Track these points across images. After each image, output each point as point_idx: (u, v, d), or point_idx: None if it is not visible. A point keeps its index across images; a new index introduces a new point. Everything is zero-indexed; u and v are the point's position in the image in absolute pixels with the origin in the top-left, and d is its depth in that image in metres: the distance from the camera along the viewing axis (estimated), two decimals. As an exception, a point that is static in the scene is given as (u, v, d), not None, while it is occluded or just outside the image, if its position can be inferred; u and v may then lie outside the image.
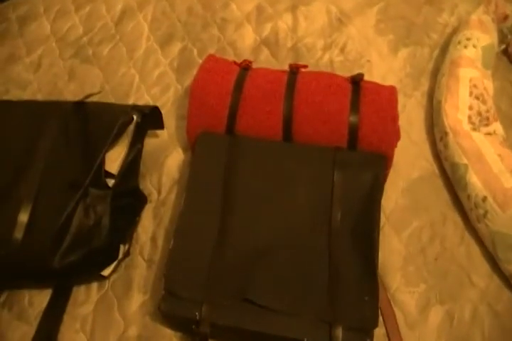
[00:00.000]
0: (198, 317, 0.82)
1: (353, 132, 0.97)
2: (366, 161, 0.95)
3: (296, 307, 0.82)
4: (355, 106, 0.98)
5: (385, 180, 0.96)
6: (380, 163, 0.95)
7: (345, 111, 0.98)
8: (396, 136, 0.99)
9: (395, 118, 0.98)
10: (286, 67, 1.10)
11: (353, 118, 0.97)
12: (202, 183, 0.95)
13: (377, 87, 1.03)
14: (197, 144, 1.00)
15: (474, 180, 0.95)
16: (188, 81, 1.24)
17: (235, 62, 1.11)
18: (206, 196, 0.94)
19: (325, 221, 0.90)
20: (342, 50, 1.27)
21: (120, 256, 0.96)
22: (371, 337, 0.80)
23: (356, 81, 1.02)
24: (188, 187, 0.95)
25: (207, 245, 0.88)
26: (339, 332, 0.79)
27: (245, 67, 1.08)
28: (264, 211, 0.92)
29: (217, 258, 0.87)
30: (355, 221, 0.90)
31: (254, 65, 1.14)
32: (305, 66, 1.09)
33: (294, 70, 1.06)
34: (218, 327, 0.82)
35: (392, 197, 1.03)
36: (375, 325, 0.81)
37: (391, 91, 1.01)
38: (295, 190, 0.93)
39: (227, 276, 0.85)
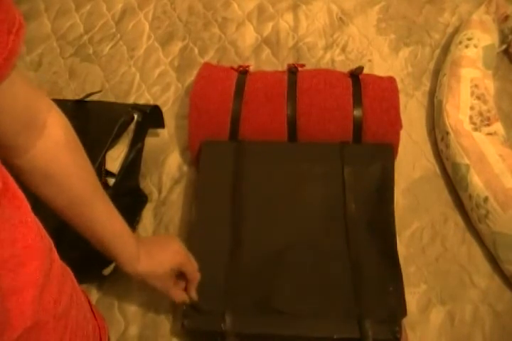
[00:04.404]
0: (223, 329, 0.80)
1: (358, 125, 0.98)
2: (373, 153, 0.96)
3: (323, 307, 0.82)
4: (357, 99, 0.99)
5: (393, 169, 0.96)
6: (387, 153, 0.96)
7: (349, 105, 0.98)
8: (399, 124, 1.00)
9: (397, 106, 0.98)
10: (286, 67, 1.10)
11: (356, 112, 0.98)
12: (211, 194, 0.95)
13: (377, 79, 1.04)
14: (201, 154, 0.99)
15: (476, 181, 0.95)
16: (188, 80, 1.24)
17: (231, 68, 1.10)
18: (217, 206, 0.93)
19: (340, 217, 0.90)
20: (343, 49, 1.27)
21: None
22: (400, 325, 0.79)
23: (356, 74, 1.03)
24: (197, 199, 0.95)
25: (223, 255, 0.87)
26: (368, 326, 0.79)
27: (243, 72, 1.07)
28: (277, 214, 0.91)
29: (235, 268, 0.86)
30: (371, 212, 0.90)
31: (254, 65, 1.14)
32: (302, 65, 1.09)
33: (293, 70, 1.06)
34: (245, 336, 0.81)
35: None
36: (404, 313, 0.80)
37: (391, 81, 1.03)
38: (306, 189, 0.93)
39: (247, 284, 0.85)
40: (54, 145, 0.56)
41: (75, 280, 0.54)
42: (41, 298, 0.43)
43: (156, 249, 0.77)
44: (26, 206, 0.44)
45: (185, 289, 0.83)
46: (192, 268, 0.81)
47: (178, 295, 0.82)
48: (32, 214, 0.45)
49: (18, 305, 0.40)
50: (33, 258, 0.43)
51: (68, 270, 0.53)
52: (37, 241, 0.44)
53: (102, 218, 0.66)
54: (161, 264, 0.76)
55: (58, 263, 0.49)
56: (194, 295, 0.82)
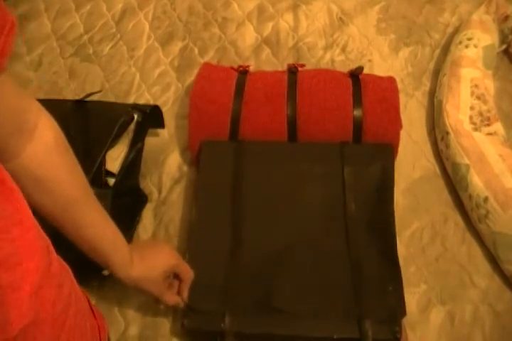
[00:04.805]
0: (223, 329, 0.80)
1: (358, 125, 0.98)
2: (373, 153, 0.96)
3: (323, 307, 0.82)
4: (357, 99, 0.99)
5: (393, 169, 0.96)
6: (387, 153, 0.96)
7: (349, 105, 0.98)
8: (399, 124, 1.00)
9: (397, 106, 0.99)
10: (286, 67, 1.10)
11: (357, 112, 0.98)
12: (211, 194, 0.95)
13: (377, 79, 1.04)
14: (201, 154, 0.99)
15: (476, 181, 0.95)
16: (188, 80, 1.24)
17: (231, 68, 1.10)
18: (217, 206, 0.93)
19: (340, 217, 0.90)
20: (343, 49, 1.27)
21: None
22: (400, 325, 0.80)
23: (356, 74, 1.03)
24: (197, 199, 0.95)
25: (222, 255, 0.87)
26: (368, 326, 0.79)
27: (243, 72, 1.07)
28: (277, 214, 0.91)
29: (234, 267, 0.86)
30: (371, 212, 0.90)
31: (254, 65, 1.13)
32: (302, 65, 1.09)
33: (293, 70, 1.06)
34: (245, 336, 0.81)
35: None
36: (403, 313, 0.81)
37: (391, 81, 1.03)
38: (306, 189, 0.93)
39: (247, 284, 0.85)
40: (44, 149, 0.56)
41: (74, 280, 0.54)
42: (39, 296, 0.43)
43: (148, 254, 0.77)
44: (25, 206, 0.44)
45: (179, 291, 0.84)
46: (185, 268, 0.82)
47: (172, 298, 0.82)
48: (31, 214, 0.45)
49: (17, 303, 0.40)
50: (31, 257, 0.43)
51: (68, 269, 0.53)
52: (35, 240, 0.45)
53: (95, 224, 0.67)
54: (154, 268, 0.76)
55: (57, 262, 0.49)
56: (186, 295, 0.83)
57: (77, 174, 0.62)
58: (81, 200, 0.64)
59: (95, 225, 0.67)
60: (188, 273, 0.83)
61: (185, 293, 0.83)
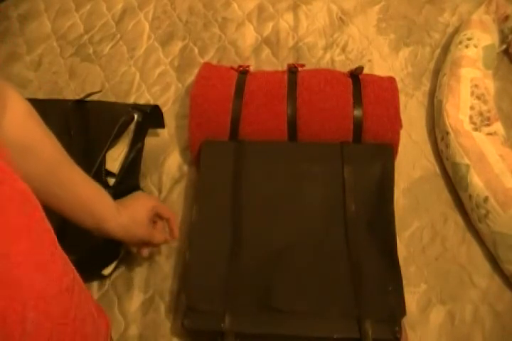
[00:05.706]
0: (223, 329, 0.80)
1: (358, 125, 0.98)
2: (373, 153, 0.96)
3: (323, 307, 0.82)
4: (357, 99, 0.99)
5: (393, 169, 0.96)
6: (387, 153, 0.96)
7: (349, 105, 0.98)
8: (399, 123, 1.00)
9: (397, 106, 0.99)
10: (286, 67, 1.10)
11: (357, 112, 0.98)
12: (211, 194, 0.95)
13: (377, 78, 1.04)
14: (202, 153, 0.99)
15: (476, 181, 0.95)
16: (188, 80, 1.24)
17: (231, 68, 1.10)
18: (217, 206, 0.93)
19: (340, 217, 0.90)
20: (343, 49, 1.27)
21: (121, 254, 0.96)
22: (400, 325, 0.80)
23: (356, 74, 1.03)
24: (197, 199, 0.95)
25: (223, 255, 0.88)
26: (368, 326, 0.79)
27: (243, 72, 1.08)
28: (277, 214, 0.91)
29: (234, 267, 0.86)
30: (371, 212, 0.90)
31: (254, 65, 1.13)
32: (302, 65, 1.09)
33: (293, 69, 1.06)
34: (245, 336, 0.81)
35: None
36: (403, 313, 0.81)
37: (391, 81, 1.03)
38: (306, 189, 0.93)
39: (247, 284, 0.85)
40: (22, 118, 0.61)
41: (74, 269, 0.56)
42: (49, 271, 0.46)
43: (128, 201, 0.83)
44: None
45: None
46: (164, 207, 0.90)
47: (161, 236, 0.88)
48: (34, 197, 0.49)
49: (27, 277, 0.43)
50: (36, 230, 0.46)
51: (66, 258, 0.55)
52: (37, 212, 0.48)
53: (79, 180, 0.72)
54: (138, 211, 0.82)
55: (58, 247, 0.52)
56: (177, 232, 0.90)
57: (54, 137, 0.68)
58: (63, 161, 0.69)
59: (80, 181, 0.72)
60: (168, 211, 0.90)
61: (176, 230, 0.90)
